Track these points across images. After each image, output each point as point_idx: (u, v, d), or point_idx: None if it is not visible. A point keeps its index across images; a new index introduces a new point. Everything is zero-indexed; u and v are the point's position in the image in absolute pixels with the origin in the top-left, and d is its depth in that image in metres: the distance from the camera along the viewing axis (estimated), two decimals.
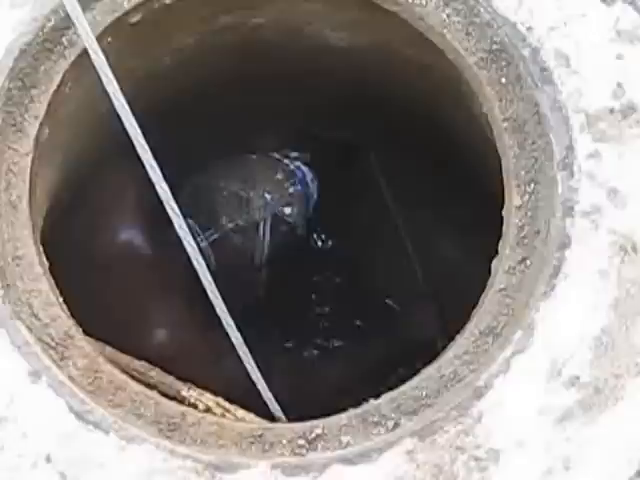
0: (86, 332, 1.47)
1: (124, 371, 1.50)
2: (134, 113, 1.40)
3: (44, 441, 1.32)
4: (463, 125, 1.77)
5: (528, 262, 1.42)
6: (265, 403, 1.54)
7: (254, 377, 1.50)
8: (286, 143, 2.31)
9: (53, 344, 1.39)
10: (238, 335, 1.47)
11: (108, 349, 1.58)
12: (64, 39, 1.51)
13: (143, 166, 1.41)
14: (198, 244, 1.99)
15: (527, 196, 1.45)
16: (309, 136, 2.36)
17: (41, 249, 1.47)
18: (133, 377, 1.51)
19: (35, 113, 1.49)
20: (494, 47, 1.50)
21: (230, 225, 2.00)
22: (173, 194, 1.42)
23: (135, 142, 1.35)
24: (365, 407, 1.39)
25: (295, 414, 1.51)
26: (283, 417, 1.53)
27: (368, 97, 2.07)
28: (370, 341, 2.31)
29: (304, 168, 2.17)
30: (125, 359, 1.60)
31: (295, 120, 2.29)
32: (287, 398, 1.55)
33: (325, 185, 2.20)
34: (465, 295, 1.50)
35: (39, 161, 1.51)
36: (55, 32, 1.50)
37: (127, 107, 1.34)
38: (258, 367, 1.54)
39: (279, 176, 2.10)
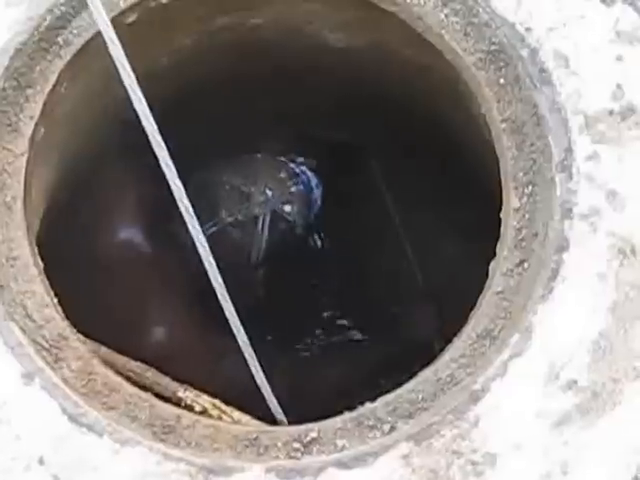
0: (85, 331, 1.47)
1: (120, 372, 1.50)
2: (133, 112, 1.39)
3: (37, 443, 1.31)
4: (462, 125, 1.76)
5: (526, 265, 1.41)
6: (263, 404, 1.53)
7: (258, 380, 1.49)
8: (285, 143, 2.31)
9: (47, 346, 1.39)
10: (245, 337, 1.45)
11: (104, 349, 1.57)
12: (60, 38, 1.50)
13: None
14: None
15: (525, 198, 1.44)
16: (308, 136, 2.36)
17: (36, 250, 1.46)
18: (129, 378, 1.51)
19: (30, 113, 1.49)
20: (492, 48, 1.49)
21: (229, 219, 2.02)
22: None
23: (151, 138, 1.32)
24: (361, 410, 1.38)
25: (294, 415, 1.50)
26: (285, 420, 1.52)
27: (367, 97, 2.06)
28: (369, 342, 2.31)
29: (309, 173, 2.19)
30: (121, 360, 1.59)
31: (294, 120, 2.29)
32: (286, 399, 1.55)
33: (325, 186, 2.20)
34: (464, 297, 1.49)
35: (34, 161, 1.50)
36: (51, 31, 1.49)
37: (144, 101, 1.31)
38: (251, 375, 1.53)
39: (282, 175, 2.12)
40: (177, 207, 2.01)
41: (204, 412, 1.49)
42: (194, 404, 1.51)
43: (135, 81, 1.30)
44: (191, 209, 1.37)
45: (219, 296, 1.42)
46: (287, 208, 2.10)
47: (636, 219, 1.39)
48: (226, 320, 1.45)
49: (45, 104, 1.49)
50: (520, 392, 1.34)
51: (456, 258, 2.35)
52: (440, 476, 1.30)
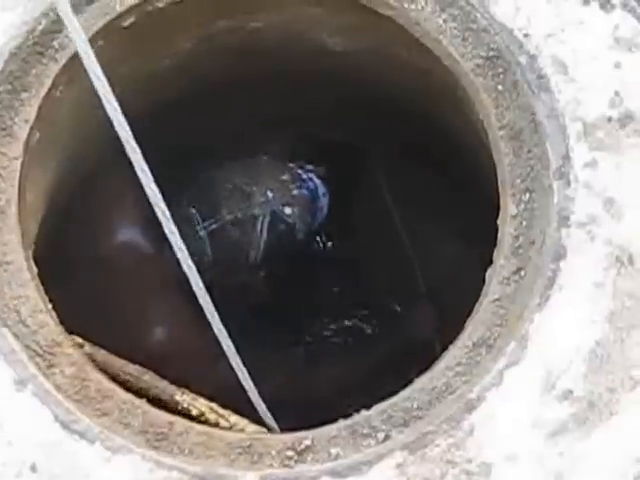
0: (84, 331, 1.47)
1: (117, 375, 1.50)
2: (130, 116, 1.39)
3: (29, 450, 1.31)
4: (462, 129, 1.75)
5: (523, 273, 1.41)
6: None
7: (247, 386, 1.48)
8: (286, 145, 2.31)
9: (40, 351, 1.38)
10: (231, 344, 1.45)
11: (102, 352, 1.57)
12: (55, 42, 1.49)
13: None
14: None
15: (522, 205, 1.43)
16: (309, 138, 2.36)
17: (30, 255, 1.46)
18: (126, 381, 1.51)
19: (25, 117, 1.48)
20: (490, 54, 1.48)
21: (229, 217, 2.03)
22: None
23: (125, 144, 1.33)
24: (355, 418, 1.37)
25: (294, 414, 1.50)
26: (276, 427, 1.51)
27: (368, 99, 2.05)
28: (370, 342, 2.31)
29: (317, 181, 2.19)
30: (119, 362, 1.59)
31: (294, 122, 2.28)
32: (286, 398, 1.55)
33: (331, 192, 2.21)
34: (465, 297, 1.48)
35: (29, 165, 1.50)
36: (46, 35, 1.49)
37: (118, 108, 1.32)
38: (251, 374, 1.52)
39: (285, 177, 2.13)
40: (176, 209, 2.03)
41: (201, 415, 1.49)
42: (191, 407, 1.51)
43: (108, 87, 1.31)
44: (168, 213, 1.36)
45: (201, 301, 1.42)
46: (287, 210, 2.11)
47: (634, 227, 1.38)
48: (225, 321, 1.45)
49: (40, 108, 1.49)
50: (516, 401, 1.33)
51: (457, 259, 2.35)
52: None
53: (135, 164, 1.35)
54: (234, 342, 1.48)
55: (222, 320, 1.48)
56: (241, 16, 1.76)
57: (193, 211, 2.02)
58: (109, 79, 1.39)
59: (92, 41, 1.47)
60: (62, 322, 1.45)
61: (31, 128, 1.48)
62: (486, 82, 1.48)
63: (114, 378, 1.49)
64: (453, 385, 1.37)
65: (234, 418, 1.49)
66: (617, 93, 1.42)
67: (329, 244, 2.47)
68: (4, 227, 1.43)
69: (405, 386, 1.40)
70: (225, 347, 1.44)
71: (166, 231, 1.40)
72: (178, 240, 1.39)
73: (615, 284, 1.36)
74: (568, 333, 1.35)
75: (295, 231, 2.14)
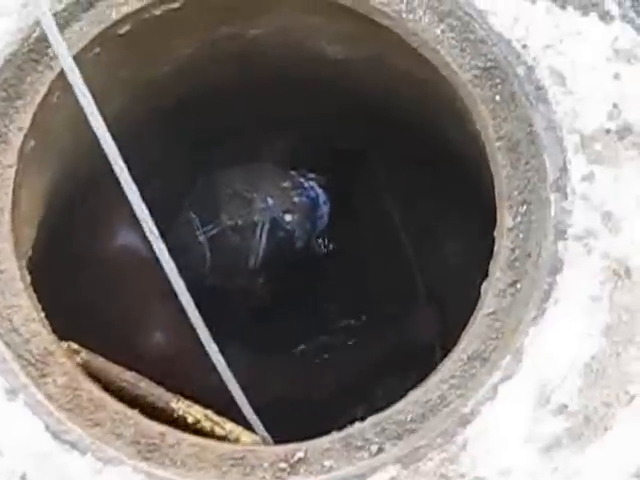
0: (83, 336, 1.46)
1: (113, 381, 1.49)
2: (130, 121, 1.38)
3: (20, 460, 1.30)
4: (460, 139, 1.74)
5: (518, 285, 1.40)
6: (258, 409, 1.52)
7: (238, 399, 1.47)
8: (286, 151, 2.31)
9: (33, 360, 1.38)
10: (221, 359, 1.44)
11: (99, 359, 1.56)
12: (50, 50, 1.48)
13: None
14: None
15: (519, 217, 1.43)
16: (310, 145, 2.36)
17: (23, 264, 1.45)
18: (122, 388, 1.50)
19: (20, 124, 1.48)
20: (488, 64, 1.47)
21: (229, 223, 2.04)
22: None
23: (111, 160, 1.33)
24: (349, 430, 1.36)
25: (294, 415, 1.49)
26: (268, 437, 1.50)
27: (368, 108, 2.05)
28: (370, 345, 2.31)
29: (319, 190, 2.19)
30: (115, 370, 1.58)
31: (294, 128, 2.28)
32: (287, 399, 1.54)
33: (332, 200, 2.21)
34: (466, 300, 1.48)
35: (24, 172, 1.49)
36: (41, 42, 1.48)
37: (103, 123, 1.32)
38: (250, 378, 1.52)
39: (285, 184, 2.13)
40: (175, 212, 2.03)
41: (197, 423, 1.49)
42: (187, 415, 1.51)
43: (94, 105, 1.30)
44: (155, 229, 1.36)
45: (188, 313, 1.41)
46: (287, 217, 2.11)
47: (631, 241, 1.38)
48: (223, 324, 1.45)
49: (35, 115, 1.49)
50: (510, 416, 1.32)
51: (458, 263, 2.34)
52: None
53: (122, 181, 1.35)
54: (233, 346, 1.47)
55: (221, 324, 1.48)
56: (241, 23, 1.75)
57: (193, 216, 2.03)
58: (108, 84, 1.38)
59: (88, 48, 1.47)
60: (59, 328, 1.45)
61: (25, 136, 1.48)
62: (484, 93, 1.48)
63: (110, 385, 1.48)
64: (447, 398, 1.36)
65: (229, 425, 1.49)
66: (615, 105, 1.42)
67: (329, 250, 2.47)
68: None
69: (401, 397, 1.39)
70: (216, 361, 1.43)
71: (154, 246, 1.39)
72: (165, 254, 1.38)
73: (612, 298, 1.35)
74: (564, 347, 1.34)
75: (294, 238, 2.14)
